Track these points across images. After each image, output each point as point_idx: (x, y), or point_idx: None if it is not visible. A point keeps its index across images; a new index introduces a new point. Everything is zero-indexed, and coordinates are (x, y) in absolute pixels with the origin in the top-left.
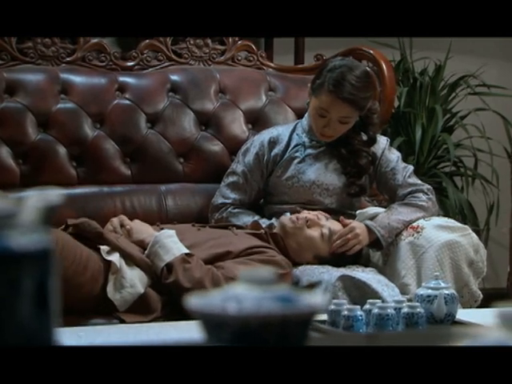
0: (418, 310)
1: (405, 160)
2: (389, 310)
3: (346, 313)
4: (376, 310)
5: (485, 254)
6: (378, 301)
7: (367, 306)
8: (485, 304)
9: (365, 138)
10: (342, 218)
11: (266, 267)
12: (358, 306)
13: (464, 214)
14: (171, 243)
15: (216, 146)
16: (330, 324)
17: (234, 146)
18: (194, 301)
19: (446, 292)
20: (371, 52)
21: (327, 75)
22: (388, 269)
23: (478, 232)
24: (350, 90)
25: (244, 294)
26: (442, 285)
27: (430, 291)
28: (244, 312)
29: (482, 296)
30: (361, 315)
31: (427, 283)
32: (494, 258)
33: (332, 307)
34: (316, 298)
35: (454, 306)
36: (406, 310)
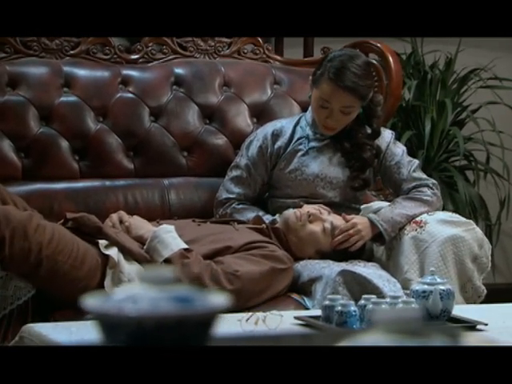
0: (413, 305)
1: (414, 154)
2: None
3: (339, 308)
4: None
5: (489, 249)
6: (373, 296)
7: (362, 302)
8: (497, 299)
9: (369, 131)
10: (343, 214)
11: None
12: (353, 302)
13: (474, 208)
14: (170, 238)
15: (220, 140)
16: (324, 320)
17: (238, 140)
18: (90, 301)
19: (442, 288)
20: (378, 45)
21: (327, 65)
22: (391, 263)
23: (489, 226)
24: (350, 77)
25: (141, 294)
26: (438, 280)
27: (425, 287)
28: (140, 313)
29: (485, 291)
30: (354, 311)
31: (423, 279)
32: (506, 252)
33: (326, 303)
34: (217, 299)
35: (449, 302)
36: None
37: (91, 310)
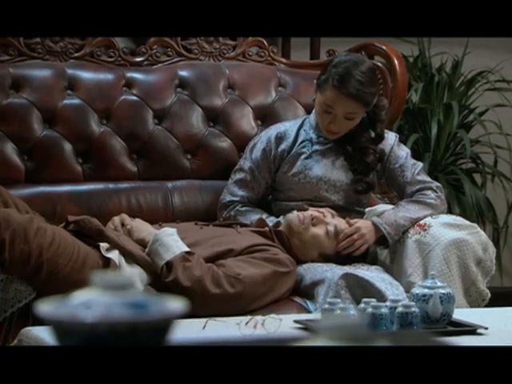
0: (413, 309)
1: (421, 156)
2: (383, 310)
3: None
4: (370, 310)
5: (494, 253)
6: (372, 300)
7: (362, 305)
8: (504, 302)
9: (372, 135)
10: (347, 218)
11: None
12: (352, 306)
13: (481, 211)
14: (171, 241)
15: (224, 143)
16: None
17: (242, 143)
18: (43, 307)
19: (442, 291)
20: (383, 48)
21: (332, 70)
22: (395, 267)
23: (497, 230)
24: (354, 85)
25: (95, 299)
26: (439, 284)
27: (425, 290)
28: (93, 319)
29: (489, 295)
30: (353, 315)
31: (423, 282)
32: None
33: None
34: (173, 305)
35: (450, 306)
36: (400, 309)
37: (45, 315)
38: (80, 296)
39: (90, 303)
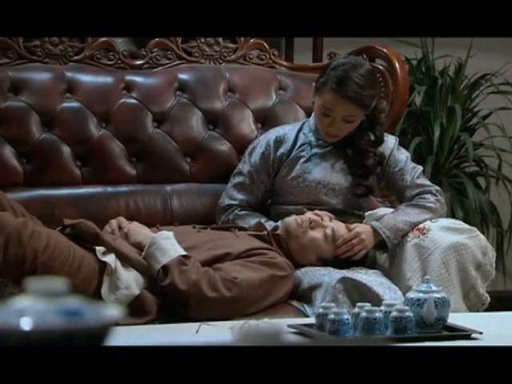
0: (407, 314)
1: (424, 160)
2: (376, 314)
3: (332, 316)
4: (363, 314)
5: (493, 257)
6: (367, 304)
7: (356, 310)
8: (508, 306)
9: (372, 138)
10: (346, 224)
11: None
12: (346, 310)
13: (485, 215)
14: (168, 245)
15: (224, 146)
16: (317, 328)
17: (242, 146)
18: None
19: (437, 296)
20: (384, 50)
21: (330, 73)
22: (394, 271)
23: (501, 233)
24: (353, 88)
25: (29, 307)
26: (433, 288)
27: (420, 295)
28: (26, 326)
29: (489, 299)
30: (347, 319)
31: (418, 286)
32: None
33: (320, 311)
34: (109, 312)
35: (444, 310)
36: (394, 314)
37: None
38: (14, 304)
39: (23, 311)
